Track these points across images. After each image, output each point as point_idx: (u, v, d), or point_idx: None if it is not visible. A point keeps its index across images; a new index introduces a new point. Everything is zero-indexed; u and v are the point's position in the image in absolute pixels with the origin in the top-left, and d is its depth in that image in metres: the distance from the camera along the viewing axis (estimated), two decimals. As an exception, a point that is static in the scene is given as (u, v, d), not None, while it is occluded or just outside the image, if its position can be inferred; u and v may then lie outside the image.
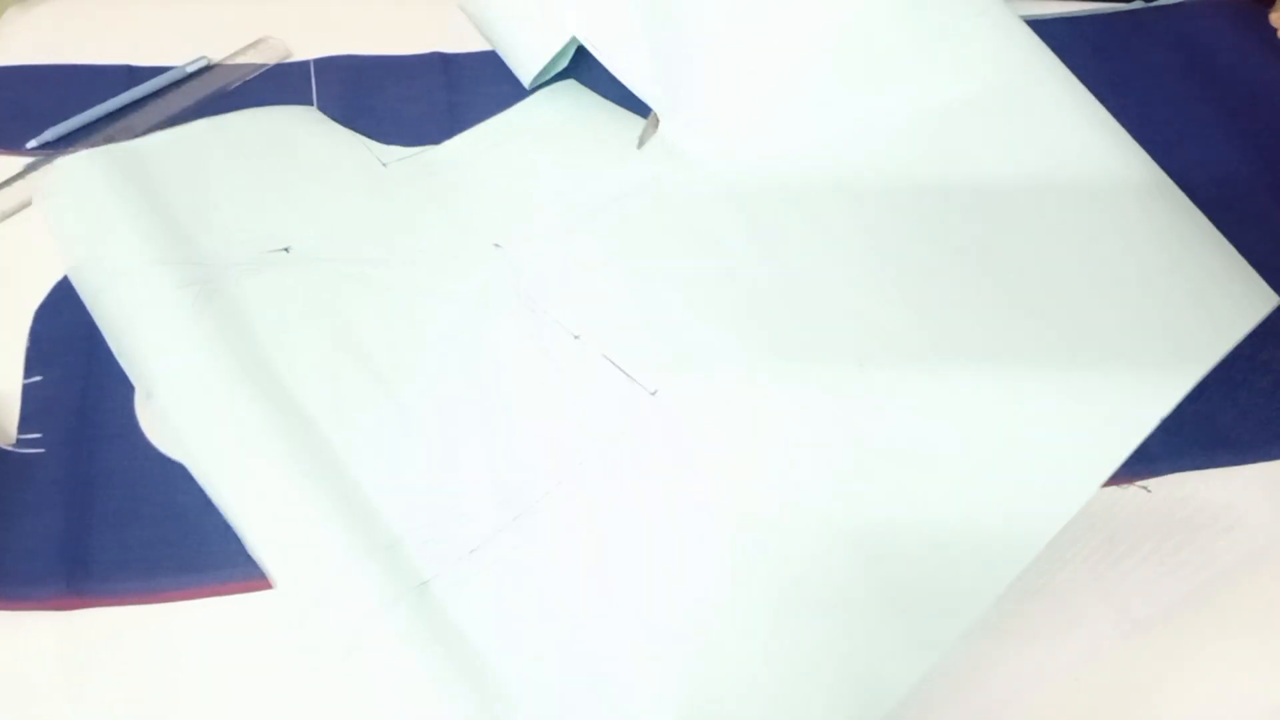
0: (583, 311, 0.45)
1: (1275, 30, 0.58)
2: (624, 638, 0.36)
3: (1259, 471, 0.42)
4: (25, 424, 0.42)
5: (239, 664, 0.36)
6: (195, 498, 0.40)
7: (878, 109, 0.48)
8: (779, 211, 0.48)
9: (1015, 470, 0.38)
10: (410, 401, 0.42)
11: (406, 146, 0.52)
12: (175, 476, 0.40)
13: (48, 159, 0.51)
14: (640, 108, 0.53)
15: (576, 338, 0.44)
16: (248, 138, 0.51)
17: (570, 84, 0.55)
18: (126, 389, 0.43)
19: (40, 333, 0.44)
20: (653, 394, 0.42)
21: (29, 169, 0.50)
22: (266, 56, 0.57)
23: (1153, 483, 0.42)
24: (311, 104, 0.55)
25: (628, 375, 0.42)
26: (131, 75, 0.55)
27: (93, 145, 0.52)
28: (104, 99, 0.54)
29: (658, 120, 0.49)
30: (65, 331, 0.44)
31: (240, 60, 0.57)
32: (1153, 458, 0.41)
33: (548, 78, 0.56)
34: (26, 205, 0.49)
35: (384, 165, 0.51)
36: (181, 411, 0.40)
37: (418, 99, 0.55)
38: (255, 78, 0.56)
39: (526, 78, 0.55)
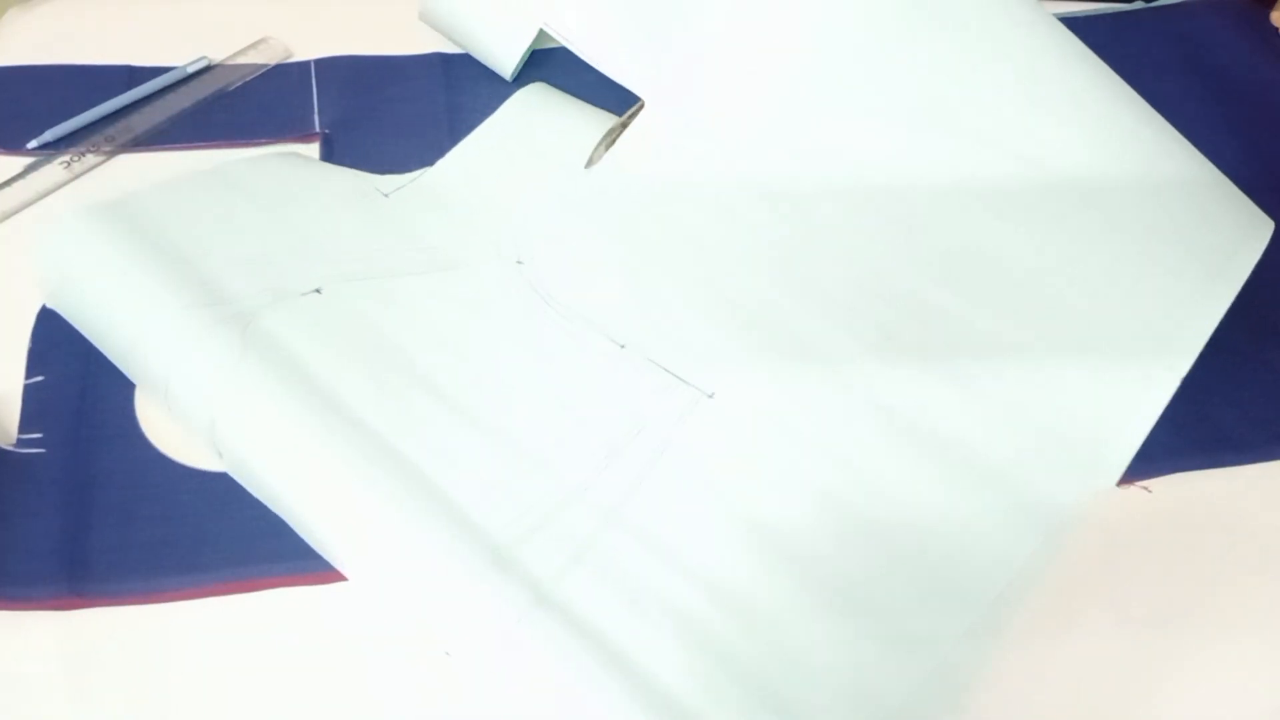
0: (621, 318, 0.45)
1: (1275, 30, 0.58)
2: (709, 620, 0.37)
3: (1260, 471, 0.42)
4: (26, 424, 0.42)
5: (239, 664, 0.36)
6: (195, 498, 0.40)
7: (891, 100, 0.48)
8: (793, 205, 0.48)
9: (1054, 443, 0.40)
10: (477, 416, 0.41)
11: (400, 175, 0.52)
12: (175, 476, 0.40)
13: (48, 159, 0.51)
14: (609, 102, 0.53)
15: (622, 347, 0.44)
16: (246, 180, 0.49)
17: (539, 86, 0.55)
18: (127, 389, 0.43)
19: (42, 333, 0.44)
20: (710, 396, 0.42)
21: (29, 169, 0.50)
22: (267, 56, 0.57)
23: (1153, 483, 0.42)
24: (311, 104, 0.55)
25: (681, 379, 0.43)
26: (131, 75, 0.55)
27: (93, 145, 0.52)
28: (104, 99, 0.54)
29: (612, 140, 0.49)
30: (66, 332, 0.44)
31: (240, 60, 0.57)
32: (1153, 458, 0.41)
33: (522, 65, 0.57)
34: (27, 205, 0.49)
35: (385, 195, 0.50)
36: (258, 454, 0.39)
37: (418, 99, 0.55)
38: (255, 78, 0.56)
39: (507, 73, 0.56)
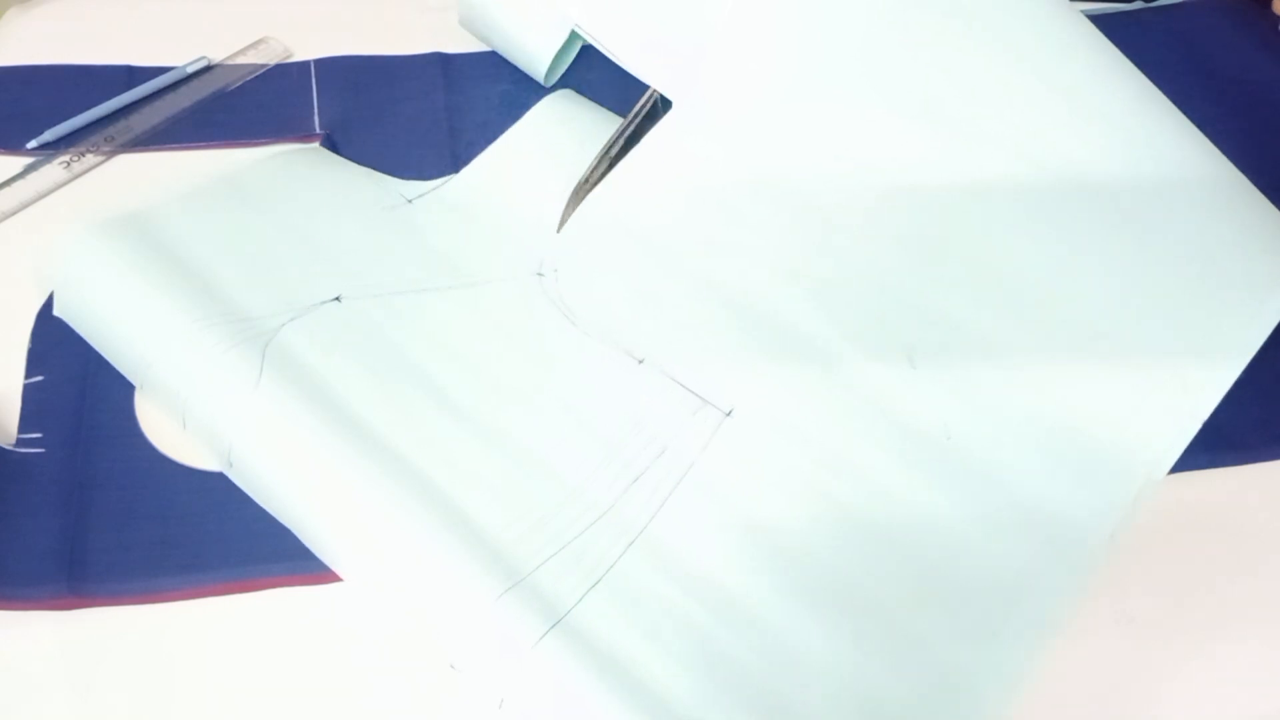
0: (638, 332, 0.44)
1: (1275, 27, 0.58)
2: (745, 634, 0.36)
3: (1261, 471, 0.42)
4: (25, 424, 0.42)
5: (239, 664, 0.36)
6: (195, 498, 0.40)
7: (931, 95, 0.48)
8: (823, 205, 0.47)
9: (1090, 451, 0.40)
10: (501, 438, 0.41)
11: (424, 180, 0.51)
12: (175, 477, 0.40)
13: (48, 159, 0.51)
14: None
15: (641, 362, 0.43)
16: (264, 189, 0.49)
17: (567, 93, 0.55)
18: (127, 389, 0.43)
19: (42, 333, 0.44)
20: (728, 414, 0.42)
21: (29, 169, 0.50)
22: (267, 56, 0.57)
23: (1153, 483, 0.41)
24: (311, 104, 0.55)
25: (700, 397, 0.42)
26: (131, 75, 0.55)
27: (93, 145, 0.52)
28: (104, 99, 0.54)
29: (580, 198, 0.47)
30: (67, 332, 0.44)
31: (240, 60, 0.57)
32: (1153, 458, 0.41)
33: (562, 72, 0.56)
34: (26, 205, 0.49)
35: (409, 201, 0.50)
36: (276, 475, 0.39)
37: (418, 99, 0.55)
38: (255, 78, 0.56)
39: (540, 77, 0.55)
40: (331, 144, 0.53)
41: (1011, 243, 0.45)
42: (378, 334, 0.43)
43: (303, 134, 0.53)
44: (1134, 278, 0.43)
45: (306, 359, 0.41)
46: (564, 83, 0.56)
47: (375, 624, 0.37)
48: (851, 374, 0.43)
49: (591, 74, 0.56)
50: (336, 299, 0.44)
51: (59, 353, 0.44)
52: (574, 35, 0.54)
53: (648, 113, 0.51)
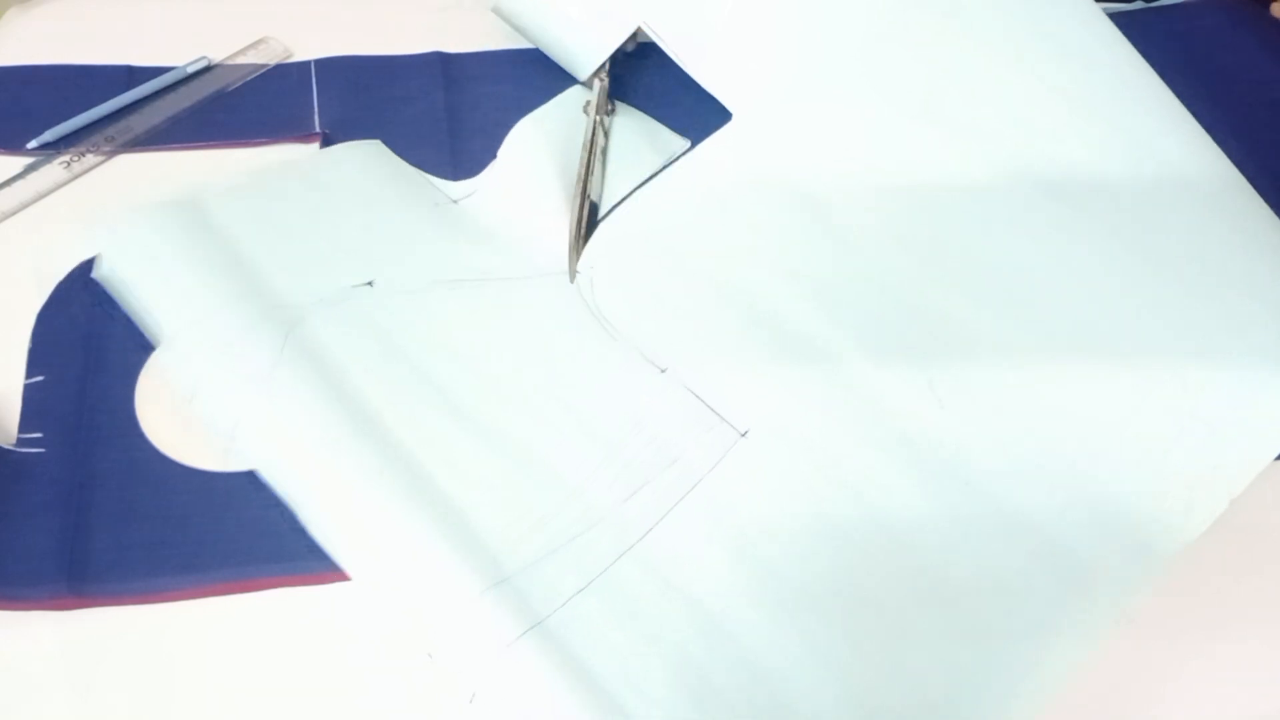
0: (664, 340, 0.44)
1: (1276, 29, 0.58)
2: (741, 662, 0.35)
3: (1261, 472, 0.42)
4: (26, 424, 0.42)
5: (239, 664, 0.36)
6: (195, 498, 0.40)
7: (961, 103, 0.47)
8: (860, 215, 0.47)
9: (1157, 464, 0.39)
10: (507, 435, 0.41)
11: (468, 180, 0.51)
12: (175, 476, 0.40)
13: (48, 159, 0.51)
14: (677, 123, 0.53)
15: (663, 371, 0.43)
16: (318, 180, 0.49)
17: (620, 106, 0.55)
18: (127, 389, 0.43)
19: (42, 333, 0.44)
20: (743, 434, 0.41)
21: (29, 169, 0.50)
22: (267, 57, 0.57)
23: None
24: (311, 104, 0.55)
25: (717, 413, 0.42)
26: (131, 75, 0.55)
27: (93, 145, 0.52)
28: (104, 99, 0.54)
29: (579, 250, 0.46)
30: (67, 332, 0.44)
31: (241, 60, 0.57)
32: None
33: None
34: (26, 205, 0.49)
35: (454, 201, 0.50)
36: (282, 459, 0.40)
37: (418, 99, 0.55)
38: (255, 78, 0.56)
39: (583, 74, 0.55)
40: (331, 144, 0.53)
41: (1040, 262, 0.44)
42: (404, 324, 0.44)
43: (303, 134, 0.53)
44: (1143, 288, 0.43)
45: (328, 346, 0.42)
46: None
47: (373, 624, 0.37)
48: (874, 405, 0.41)
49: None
50: (369, 284, 0.44)
51: (59, 353, 0.44)
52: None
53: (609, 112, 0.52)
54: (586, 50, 0.54)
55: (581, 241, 0.46)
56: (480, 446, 0.40)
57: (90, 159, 0.51)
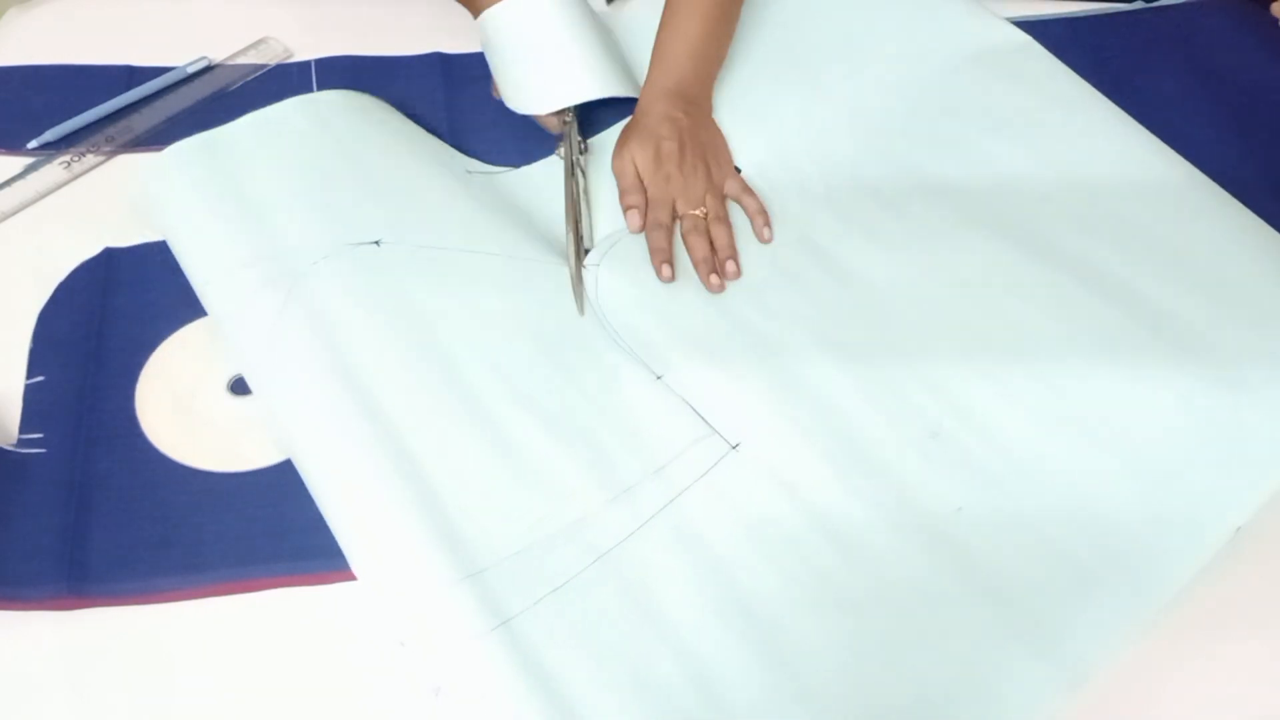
0: (664, 346, 0.44)
1: (1276, 26, 0.58)
2: (709, 677, 0.35)
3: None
4: (26, 424, 0.42)
5: (238, 663, 0.36)
6: (195, 498, 0.40)
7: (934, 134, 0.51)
8: (857, 228, 0.48)
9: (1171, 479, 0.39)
10: (495, 423, 0.40)
11: (487, 164, 0.52)
12: (175, 476, 0.41)
13: (48, 159, 0.51)
14: None
15: (659, 378, 0.43)
16: (336, 123, 0.50)
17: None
18: (127, 389, 0.43)
19: (43, 334, 0.44)
20: (734, 447, 0.41)
21: (29, 169, 0.51)
22: (267, 57, 0.57)
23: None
24: (312, 104, 0.55)
25: (709, 424, 0.41)
26: (132, 75, 0.56)
27: (93, 145, 0.52)
28: (104, 99, 0.54)
29: (583, 289, 0.46)
30: (67, 332, 0.44)
31: (241, 60, 0.57)
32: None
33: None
34: (27, 205, 0.49)
35: (469, 173, 0.51)
36: (280, 413, 0.41)
37: (417, 99, 0.55)
38: (256, 78, 0.56)
39: (520, 109, 0.52)
40: (331, 144, 0.53)
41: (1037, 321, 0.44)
42: (405, 286, 0.44)
43: (303, 134, 0.53)
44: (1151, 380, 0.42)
45: (329, 303, 0.42)
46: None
47: (373, 624, 0.37)
48: (873, 448, 0.41)
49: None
50: (376, 243, 0.44)
51: (59, 353, 0.44)
52: None
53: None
54: (528, 99, 0.52)
55: (582, 284, 0.46)
56: (469, 433, 0.40)
57: (90, 159, 0.51)
